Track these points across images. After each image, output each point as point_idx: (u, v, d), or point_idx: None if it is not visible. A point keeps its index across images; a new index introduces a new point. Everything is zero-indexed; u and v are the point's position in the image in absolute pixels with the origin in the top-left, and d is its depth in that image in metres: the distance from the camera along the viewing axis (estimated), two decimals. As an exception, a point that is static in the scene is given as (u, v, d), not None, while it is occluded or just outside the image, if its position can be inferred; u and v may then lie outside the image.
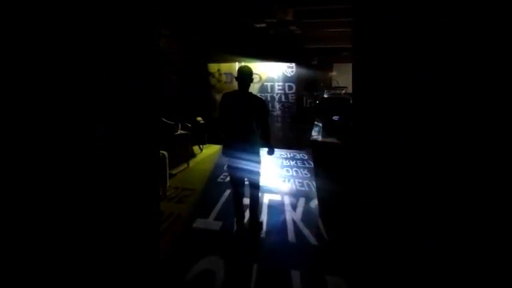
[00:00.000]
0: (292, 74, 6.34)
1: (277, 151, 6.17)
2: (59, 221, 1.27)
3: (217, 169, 4.89)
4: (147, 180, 1.72)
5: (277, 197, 3.73)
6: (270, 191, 3.92)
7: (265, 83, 6.47)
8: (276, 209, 3.40)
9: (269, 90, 6.48)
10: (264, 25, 5.42)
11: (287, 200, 3.64)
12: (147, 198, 1.73)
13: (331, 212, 3.13)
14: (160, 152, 3.56)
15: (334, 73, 10.33)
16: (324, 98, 5.98)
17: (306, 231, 2.87)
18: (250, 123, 2.58)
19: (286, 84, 6.39)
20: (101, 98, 1.40)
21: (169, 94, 5.75)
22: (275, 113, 6.56)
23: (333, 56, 9.22)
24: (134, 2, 1.53)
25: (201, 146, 6.13)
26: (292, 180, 4.43)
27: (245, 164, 2.63)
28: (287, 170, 4.96)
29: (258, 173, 2.77)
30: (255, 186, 2.81)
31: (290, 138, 6.45)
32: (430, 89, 1.40)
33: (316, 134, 3.58)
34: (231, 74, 6.63)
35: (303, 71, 6.64)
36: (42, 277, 1.22)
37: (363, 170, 1.60)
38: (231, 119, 2.61)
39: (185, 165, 4.96)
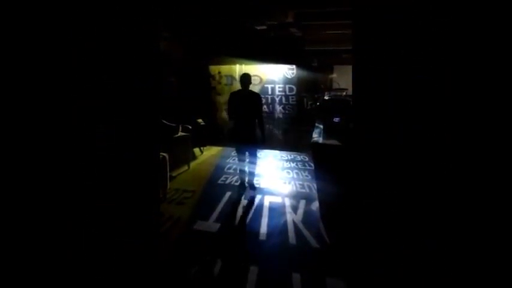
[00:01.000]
0: (292, 75, 6.35)
1: (277, 153, 6.19)
2: (59, 221, 1.27)
3: (217, 171, 4.88)
4: (147, 180, 1.72)
5: (278, 199, 3.72)
6: (271, 193, 3.91)
7: (266, 85, 6.47)
8: (276, 211, 3.39)
9: (270, 92, 6.48)
10: (264, 27, 5.44)
11: (288, 202, 3.62)
12: (147, 198, 1.73)
13: (332, 213, 3.12)
14: (161, 154, 3.56)
15: (334, 75, 10.35)
16: (325, 99, 5.96)
17: (306, 233, 2.85)
18: (251, 112, 3.72)
19: (287, 86, 6.39)
20: (101, 98, 1.41)
21: (170, 95, 5.74)
22: (276, 115, 6.56)
23: (333, 58, 9.26)
24: (134, 2, 1.54)
25: (201, 148, 6.13)
26: (293, 182, 4.41)
27: (247, 141, 3.80)
28: (288, 172, 4.94)
29: (256, 149, 3.93)
30: (254, 155, 3.97)
31: (291, 140, 6.45)
32: (430, 89, 1.40)
33: (316, 136, 3.57)
34: (231, 76, 6.64)
35: (304, 73, 6.63)
36: (43, 277, 1.21)
37: (363, 170, 1.59)
38: (237, 109, 3.73)
39: (185, 167, 4.95)
